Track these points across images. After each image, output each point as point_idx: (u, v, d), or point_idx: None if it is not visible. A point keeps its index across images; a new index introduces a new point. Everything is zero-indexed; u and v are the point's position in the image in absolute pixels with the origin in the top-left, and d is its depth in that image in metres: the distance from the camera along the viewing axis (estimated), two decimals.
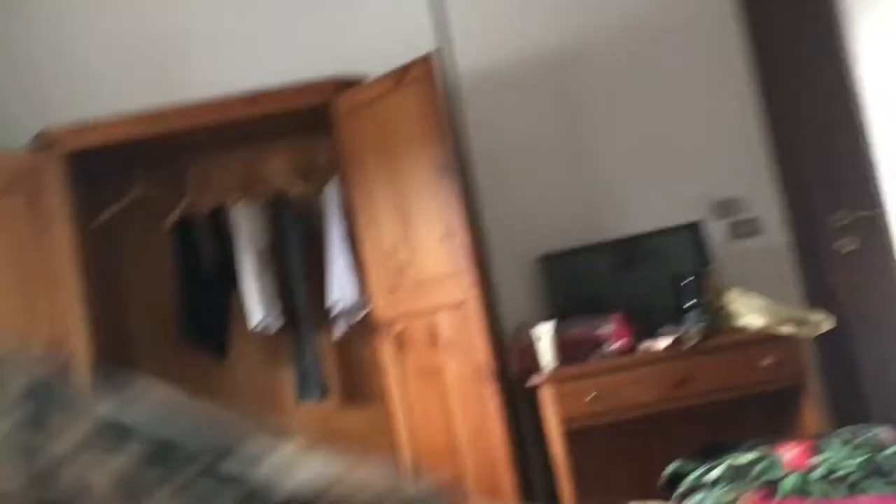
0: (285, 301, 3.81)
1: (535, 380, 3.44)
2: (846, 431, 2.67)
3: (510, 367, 3.69)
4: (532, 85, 4.02)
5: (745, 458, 2.64)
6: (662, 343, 3.44)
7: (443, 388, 3.51)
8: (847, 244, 3.59)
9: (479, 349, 3.42)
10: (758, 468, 2.55)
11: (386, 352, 3.67)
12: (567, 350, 3.49)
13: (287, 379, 3.93)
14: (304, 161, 3.86)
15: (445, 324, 3.51)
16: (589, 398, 3.37)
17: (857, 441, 2.56)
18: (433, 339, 3.54)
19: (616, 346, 3.51)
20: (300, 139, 3.85)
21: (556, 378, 3.40)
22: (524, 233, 3.96)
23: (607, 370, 3.41)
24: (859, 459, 2.45)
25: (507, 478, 3.35)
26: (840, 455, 2.50)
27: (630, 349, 3.50)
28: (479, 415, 3.44)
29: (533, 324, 3.56)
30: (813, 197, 3.75)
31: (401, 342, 3.63)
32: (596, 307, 3.66)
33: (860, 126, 3.33)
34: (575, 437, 3.38)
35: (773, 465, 2.55)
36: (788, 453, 2.59)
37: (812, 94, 3.61)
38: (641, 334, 3.53)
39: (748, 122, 3.96)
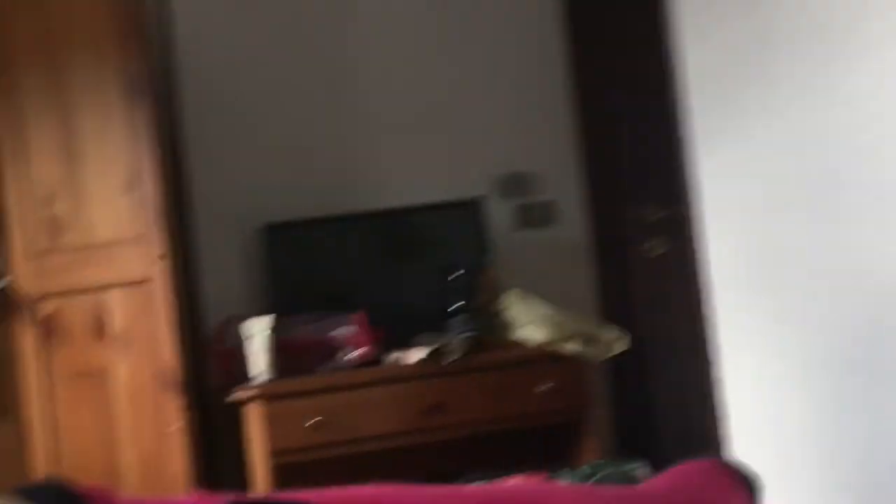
0: None
1: (238, 394, 3.06)
2: (588, 466, 2.66)
3: (207, 374, 3.26)
4: None
5: None
6: (415, 356, 3.10)
7: (106, 397, 3.05)
8: (656, 246, 3.41)
9: (164, 346, 3.01)
10: None
11: (27, 341, 3.09)
12: (289, 356, 3.11)
13: None
14: None
15: (118, 308, 3.06)
16: (310, 423, 3.01)
17: (598, 476, 2.54)
18: (98, 328, 3.06)
19: (354, 355, 3.13)
20: None
21: (268, 393, 3.03)
22: (243, 191, 3.41)
23: (338, 387, 3.08)
24: None
25: None
26: None
27: (373, 361, 3.15)
28: (155, 437, 3.04)
29: (245, 317, 3.13)
30: (621, 185, 3.56)
31: (50, 329, 3.07)
32: (333, 301, 3.27)
33: (677, 114, 3.18)
34: (288, 473, 2.99)
35: None
36: None
37: (630, 69, 3.47)
38: (391, 342, 3.19)
39: (550, 87, 3.65)
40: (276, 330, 3.08)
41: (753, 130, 2.88)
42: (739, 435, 2.96)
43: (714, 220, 3.06)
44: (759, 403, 2.92)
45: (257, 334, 3.07)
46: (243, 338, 3.11)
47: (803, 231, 2.72)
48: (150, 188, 3.00)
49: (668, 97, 3.18)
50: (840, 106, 2.58)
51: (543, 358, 3.15)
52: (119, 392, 3.04)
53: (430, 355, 3.08)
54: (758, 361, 2.91)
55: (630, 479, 2.47)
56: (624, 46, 3.48)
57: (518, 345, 3.19)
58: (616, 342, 3.17)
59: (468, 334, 3.14)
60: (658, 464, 2.21)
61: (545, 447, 3.37)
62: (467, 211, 3.43)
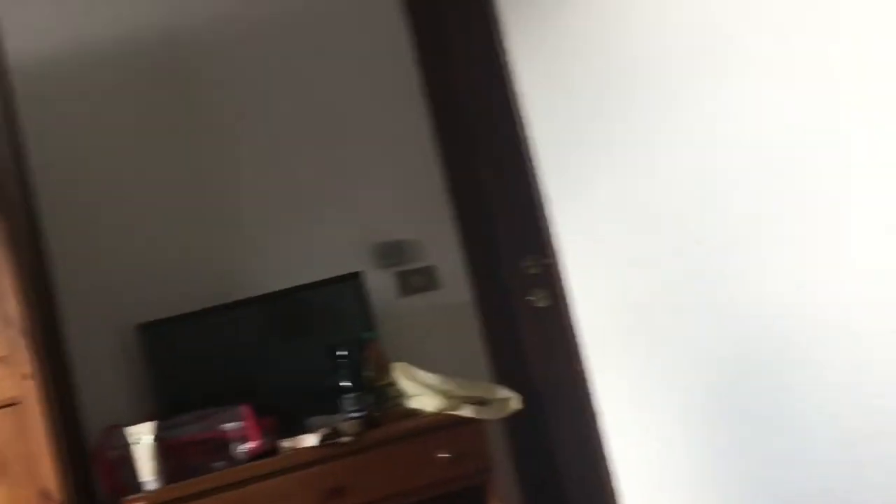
0: None
1: None
2: None
3: (93, 489, 3.10)
4: (126, 84, 3.38)
5: None
6: (309, 441, 3.02)
7: None
8: (539, 299, 3.40)
9: (44, 466, 2.84)
10: None
11: None
12: (178, 459, 3.00)
13: None
14: None
15: None
16: None
17: None
18: None
19: (246, 448, 3.03)
20: None
21: (158, 501, 2.90)
22: (115, 295, 3.29)
23: (232, 484, 2.95)
24: None
25: None
26: None
27: (266, 452, 3.05)
28: None
29: (127, 424, 3.00)
30: (496, 242, 3.54)
31: None
32: (221, 394, 3.16)
33: (533, 173, 3.25)
34: None
35: None
36: None
37: (488, 135, 3.51)
38: (283, 429, 3.10)
39: (418, 155, 3.61)
40: (161, 432, 2.95)
41: (596, 190, 2.91)
42: (630, 486, 2.92)
43: (578, 275, 3.07)
44: (643, 454, 2.88)
45: (141, 440, 2.93)
46: (127, 446, 2.96)
47: (662, 285, 2.72)
48: (11, 306, 2.84)
49: (525, 161, 3.22)
50: (679, 157, 2.60)
51: (440, 425, 3.09)
52: None
53: (324, 439, 2.98)
54: (636, 414, 2.89)
55: None
56: (482, 114, 3.50)
57: (412, 416, 3.12)
58: (511, 401, 3.12)
59: (361, 412, 3.06)
60: None
61: None
62: (349, 285, 3.37)
